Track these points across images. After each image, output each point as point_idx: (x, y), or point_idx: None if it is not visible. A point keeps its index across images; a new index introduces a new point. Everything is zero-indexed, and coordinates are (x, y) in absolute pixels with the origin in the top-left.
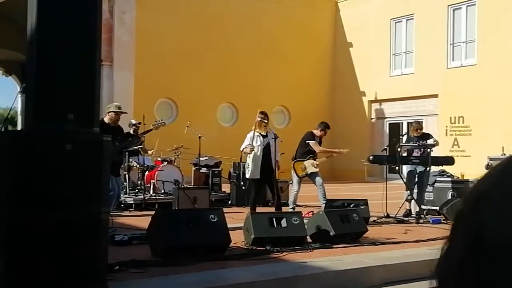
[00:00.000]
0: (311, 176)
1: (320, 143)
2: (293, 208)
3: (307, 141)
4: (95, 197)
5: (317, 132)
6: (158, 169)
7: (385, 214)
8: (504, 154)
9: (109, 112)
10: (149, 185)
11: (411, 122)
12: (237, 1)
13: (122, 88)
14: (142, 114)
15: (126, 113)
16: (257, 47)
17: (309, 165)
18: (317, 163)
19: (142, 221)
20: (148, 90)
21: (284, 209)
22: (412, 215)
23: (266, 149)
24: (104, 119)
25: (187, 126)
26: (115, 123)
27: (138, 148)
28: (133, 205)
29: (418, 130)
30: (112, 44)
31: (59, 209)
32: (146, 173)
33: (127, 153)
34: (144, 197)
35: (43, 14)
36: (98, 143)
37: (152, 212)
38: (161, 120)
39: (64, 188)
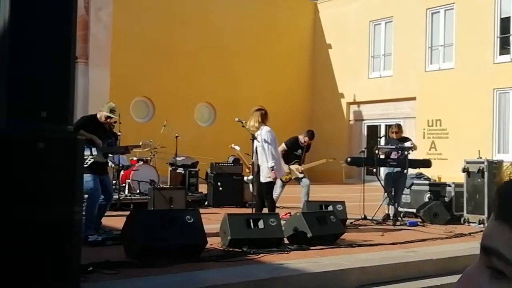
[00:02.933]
0: (298, 180)
1: (307, 150)
2: None
3: (294, 150)
4: (68, 197)
5: (302, 139)
6: (134, 169)
7: (363, 216)
8: (481, 158)
9: (101, 111)
10: (124, 184)
11: (390, 125)
12: (216, 1)
13: (97, 86)
14: (118, 112)
15: (117, 118)
16: (236, 47)
17: (293, 170)
18: (302, 168)
19: (116, 221)
20: (124, 88)
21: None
22: (391, 218)
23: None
24: (97, 115)
25: (164, 126)
26: (105, 124)
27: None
28: None
29: (397, 133)
30: (87, 41)
31: (31, 209)
32: (121, 172)
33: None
34: (119, 197)
35: (16, 9)
36: (72, 142)
37: (127, 213)
38: (151, 141)
39: (36, 187)
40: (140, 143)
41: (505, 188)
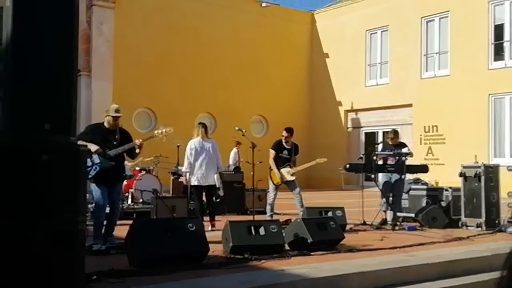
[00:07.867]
0: (289, 184)
1: (296, 153)
2: (271, 216)
3: (270, 149)
4: (71, 207)
5: (282, 137)
6: (136, 178)
7: (362, 222)
8: (477, 162)
9: (106, 116)
10: (127, 194)
11: (387, 131)
12: (215, 12)
13: (100, 98)
14: (120, 123)
15: (122, 115)
16: (235, 57)
17: (285, 173)
18: (293, 171)
19: (120, 230)
20: (126, 99)
21: (261, 217)
22: (389, 222)
23: None
24: (104, 123)
25: (165, 135)
26: (115, 127)
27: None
28: None
29: (393, 139)
30: (90, 54)
31: (35, 219)
32: (124, 182)
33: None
34: (122, 207)
35: (19, 23)
36: (75, 153)
37: (130, 222)
38: (168, 128)
39: (40, 197)
40: (155, 133)
41: None
